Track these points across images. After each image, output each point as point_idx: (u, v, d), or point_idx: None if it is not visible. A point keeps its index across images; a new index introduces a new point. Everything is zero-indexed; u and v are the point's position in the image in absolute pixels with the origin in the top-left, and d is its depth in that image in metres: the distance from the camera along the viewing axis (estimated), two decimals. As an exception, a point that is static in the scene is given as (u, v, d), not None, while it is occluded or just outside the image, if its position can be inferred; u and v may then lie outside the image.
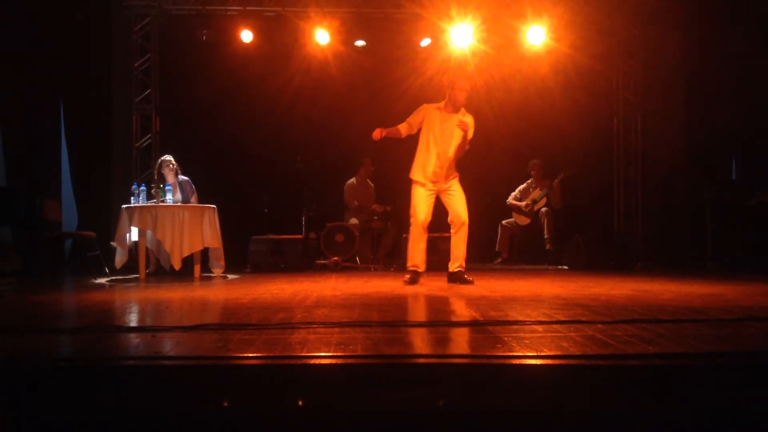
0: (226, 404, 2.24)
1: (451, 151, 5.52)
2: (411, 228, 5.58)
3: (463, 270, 5.54)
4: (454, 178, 5.60)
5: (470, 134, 5.55)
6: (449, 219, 5.56)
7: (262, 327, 3.01)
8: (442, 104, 5.61)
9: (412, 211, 5.60)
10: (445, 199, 5.61)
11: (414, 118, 5.64)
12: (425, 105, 5.68)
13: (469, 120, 5.55)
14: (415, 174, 5.65)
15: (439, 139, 5.53)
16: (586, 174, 8.50)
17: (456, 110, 5.54)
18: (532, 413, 2.24)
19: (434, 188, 5.58)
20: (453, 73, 5.79)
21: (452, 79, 5.58)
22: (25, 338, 2.82)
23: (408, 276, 5.56)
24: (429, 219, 5.58)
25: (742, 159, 8.31)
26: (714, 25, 8.02)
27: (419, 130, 5.63)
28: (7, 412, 2.23)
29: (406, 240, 7.67)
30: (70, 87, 8.24)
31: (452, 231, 5.55)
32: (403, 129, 5.66)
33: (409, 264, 5.61)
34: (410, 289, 5.05)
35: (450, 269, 5.59)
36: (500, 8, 8.28)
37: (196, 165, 7.68)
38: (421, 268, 5.57)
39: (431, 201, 5.60)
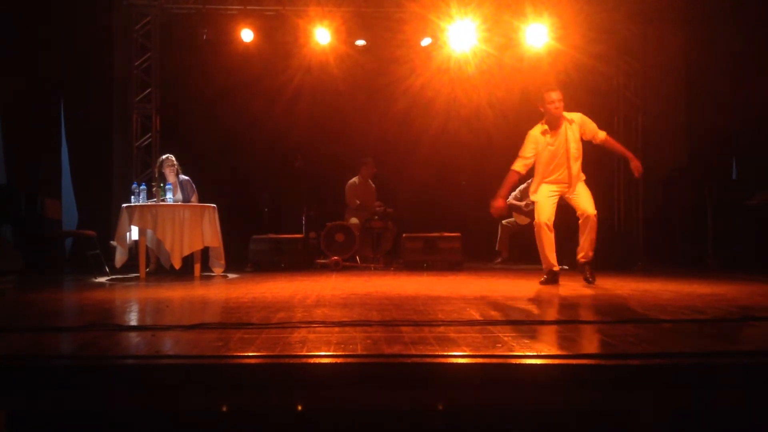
0: (225, 403, 2.24)
1: (575, 166, 5.35)
2: (536, 230, 5.36)
3: (586, 261, 5.43)
4: (579, 181, 5.42)
5: (590, 128, 5.40)
6: (577, 214, 5.40)
7: (262, 326, 3.01)
8: (543, 125, 5.38)
9: (536, 213, 5.44)
10: (569, 196, 5.43)
11: (526, 151, 5.38)
12: (530, 133, 5.41)
13: (577, 119, 5.37)
14: (537, 193, 5.49)
15: (553, 162, 5.35)
16: (586, 173, 8.48)
17: (558, 126, 5.33)
18: (533, 413, 2.24)
19: (558, 190, 5.42)
20: (539, 89, 5.55)
21: (540, 96, 5.36)
22: (25, 337, 2.82)
23: (545, 276, 5.40)
24: (552, 218, 5.38)
25: (742, 158, 8.30)
26: (715, 23, 8.01)
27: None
28: (7, 410, 2.23)
29: (406, 240, 7.70)
30: (70, 86, 8.23)
31: (580, 223, 5.40)
32: (520, 168, 5.40)
33: (545, 266, 5.42)
34: (410, 289, 5.04)
35: (577, 258, 5.49)
36: (501, 8, 8.27)
37: (197, 164, 7.68)
38: (557, 267, 5.44)
39: (554, 201, 5.40)
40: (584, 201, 5.36)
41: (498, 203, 5.33)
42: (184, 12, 8.49)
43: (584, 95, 8.39)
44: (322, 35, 8.36)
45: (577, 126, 5.37)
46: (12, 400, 2.24)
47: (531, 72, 8.52)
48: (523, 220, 8.42)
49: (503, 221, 8.53)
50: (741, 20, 7.77)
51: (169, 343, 2.64)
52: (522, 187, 8.57)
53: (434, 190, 9.21)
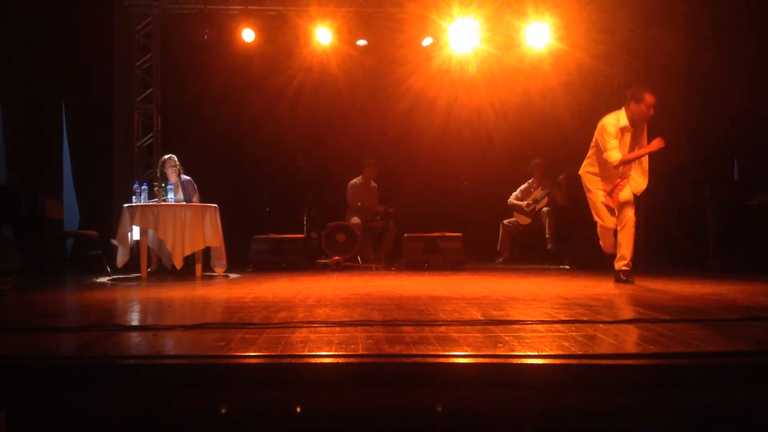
0: (227, 403, 2.24)
1: (636, 164, 5.36)
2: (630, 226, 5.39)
3: (623, 268, 5.43)
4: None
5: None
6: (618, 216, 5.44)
7: (263, 326, 3.01)
8: (623, 119, 5.26)
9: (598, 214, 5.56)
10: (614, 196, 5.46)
11: (613, 141, 5.24)
12: (611, 121, 5.28)
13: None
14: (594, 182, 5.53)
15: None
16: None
17: (640, 128, 5.30)
18: (534, 413, 2.24)
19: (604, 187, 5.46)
20: (639, 86, 5.44)
21: (640, 93, 5.21)
22: (26, 337, 2.82)
23: (623, 275, 5.41)
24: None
25: (744, 158, 8.29)
26: (716, 23, 8.00)
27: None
28: (8, 410, 2.23)
29: (407, 240, 7.70)
30: (72, 86, 8.24)
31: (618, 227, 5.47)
32: (617, 161, 5.24)
33: (624, 264, 5.44)
34: (411, 289, 5.04)
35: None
36: (502, 7, 8.27)
37: (198, 164, 7.69)
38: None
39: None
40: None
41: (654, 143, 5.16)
42: (185, 12, 8.51)
43: (585, 95, 8.40)
44: (323, 35, 8.37)
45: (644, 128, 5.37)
46: (13, 400, 2.24)
47: (532, 72, 8.52)
48: (525, 220, 8.42)
49: (504, 221, 8.53)
50: (742, 21, 7.76)
51: (170, 343, 2.64)
52: (523, 186, 8.58)
53: (435, 190, 9.21)
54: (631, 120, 5.26)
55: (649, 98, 5.17)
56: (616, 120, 5.29)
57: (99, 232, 6.97)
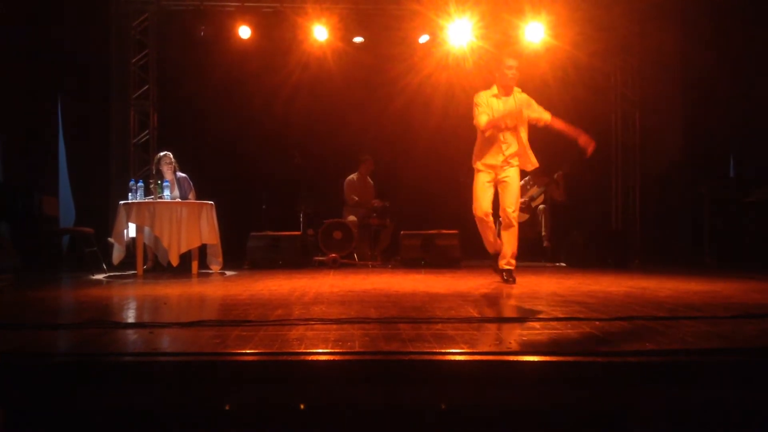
0: (224, 400, 2.25)
1: (523, 134, 5.28)
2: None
3: (505, 267, 5.40)
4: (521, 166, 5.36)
5: (536, 107, 5.33)
6: (500, 212, 5.37)
7: (259, 323, 3.01)
8: (494, 89, 5.33)
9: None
10: (499, 189, 5.38)
11: (481, 108, 5.22)
12: (479, 93, 5.32)
13: (524, 97, 5.33)
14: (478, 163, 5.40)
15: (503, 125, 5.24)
16: (583, 171, 8.50)
17: (509, 92, 5.30)
18: (529, 409, 2.25)
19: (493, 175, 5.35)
20: (496, 53, 5.52)
21: (497, 60, 5.35)
22: (22, 334, 2.81)
23: (506, 275, 5.40)
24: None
25: (740, 155, 8.31)
26: (712, 21, 8.02)
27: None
28: (5, 408, 2.23)
29: (404, 237, 7.71)
30: (67, 83, 8.21)
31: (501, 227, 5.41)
32: (485, 123, 5.17)
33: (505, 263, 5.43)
34: (408, 286, 5.05)
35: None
36: (499, 5, 8.27)
37: (194, 161, 7.68)
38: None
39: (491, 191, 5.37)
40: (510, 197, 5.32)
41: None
42: (181, 9, 8.49)
43: (582, 92, 8.41)
44: (319, 32, 8.36)
45: (525, 101, 5.33)
46: (10, 397, 2.24)
47: (529, 69, 8.51)
48: (521, 217, 8.41)
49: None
50: (738, 18, 7.78)
51: (167, 341, 2.64)
52: (520, 183, 8.58)
53: (432, 188, 9.20)
54: (499, 88, 5.31)
55: (506, 61, 5.26)
56: (486, 92, 5.35)
57: (95, 229, 6.96)
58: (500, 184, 5.36)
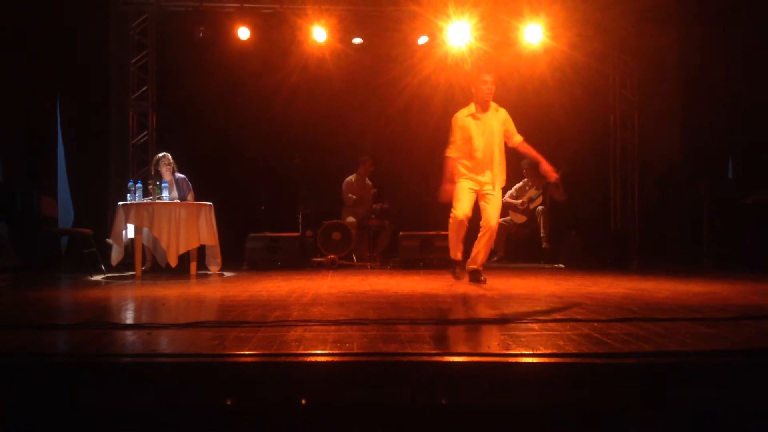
0: (222, 402, 2.24)
1: (498, 154, 5.35)
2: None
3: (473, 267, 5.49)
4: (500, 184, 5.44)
5: (511, 127, 5.41)
6: (481, 223, 5.45)
7: (258, 325, 3.01)
8: (471, 108, 5.39)
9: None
10: (481, 202, 5.48)
11: (455, 136, 5.40)
12: (456, 116, 5.43)
13: (503, 114, 5.39)
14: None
15: (480, 146, 5.34)
16: (582, 172, 8.50)
17: (486, 108, 5.34)
18: (528, 411, 2.25)
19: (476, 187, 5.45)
20: (472, 70, 5.56)
21: (472, 76, 5.37)
22: (21, 334, 2.81)
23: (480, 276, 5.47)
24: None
25: (739, 157, 8.32)
26: (711, 21, 8.03)
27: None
28: (3, 407, 2.23)
29: (402, 238, 7.71)
30: (66, 83, 8.21)
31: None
32: (456, 154, 5.43)
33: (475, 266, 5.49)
34: (406, 287, 5.05)
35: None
36: (497, 6, 8.27)
37: (193, 162, 7.67)
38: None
39: (473, 197, 5.48)
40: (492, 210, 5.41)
41: (449, 187, 5.42)
42: (180, 10, 8.48)
43: (580, 93, 8.42)
44: (319, 33, 8.35)
45: (503, 118, 5.38)
46: (8, 397, 2.24)
47: (527, 70, 8.52)
48: (520, 219, 8.42)
49: (500, 219, 8.53)
50: (736, 19, 7.79)
51: (165, 342, 2.64)
52: (518, 185, 8.58)
53: (431, 189, 9.18)
54: (476, 104, 5.35)
55: (481, 77, 5.29)
56: (463, 112, 5.41)
57: (94, 230, 6.95)
58: (484, 197, 5.45)
